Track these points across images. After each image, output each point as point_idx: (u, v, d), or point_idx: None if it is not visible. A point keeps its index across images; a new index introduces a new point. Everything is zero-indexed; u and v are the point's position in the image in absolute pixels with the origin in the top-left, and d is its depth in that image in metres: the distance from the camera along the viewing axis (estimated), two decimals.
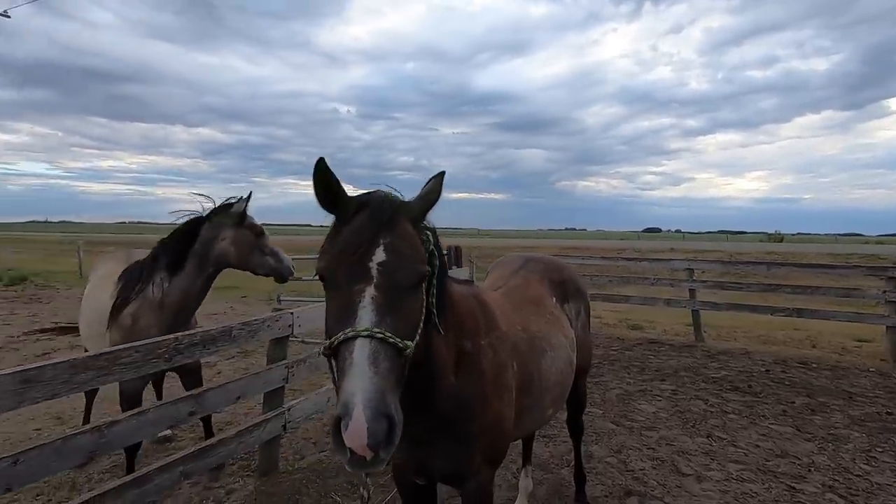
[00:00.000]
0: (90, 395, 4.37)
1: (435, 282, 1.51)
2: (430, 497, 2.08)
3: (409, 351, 1.21)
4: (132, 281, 3.31)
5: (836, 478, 3.70)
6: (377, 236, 1.29)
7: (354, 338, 1.14)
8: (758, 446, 4.23)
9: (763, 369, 6.54)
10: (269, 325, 3.23)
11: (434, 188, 1.49)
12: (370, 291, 1.22)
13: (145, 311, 3.23)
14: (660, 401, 5.37)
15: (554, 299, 2.68)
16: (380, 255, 1.27)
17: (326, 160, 1.30)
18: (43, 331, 8.52)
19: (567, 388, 2.52)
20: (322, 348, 1.27)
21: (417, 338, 1.29)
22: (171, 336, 2.62)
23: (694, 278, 8.16)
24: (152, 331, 3.12)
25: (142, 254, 3.68)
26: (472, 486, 1.83)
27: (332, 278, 1.30)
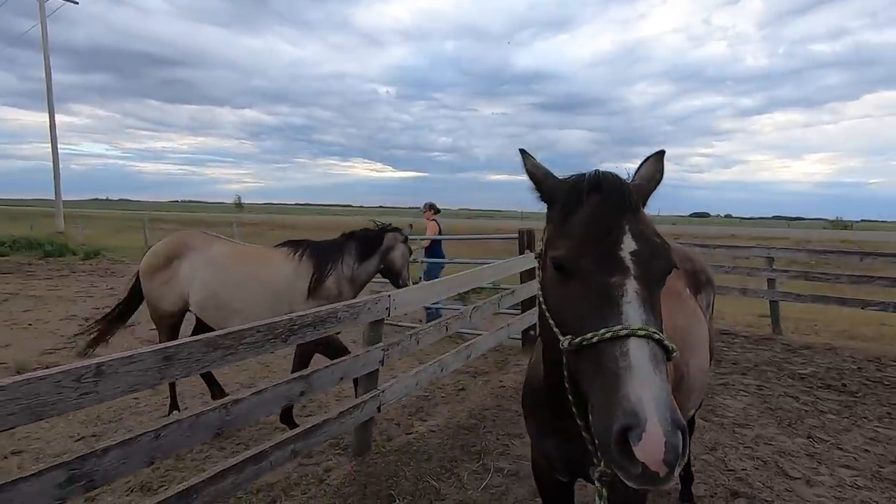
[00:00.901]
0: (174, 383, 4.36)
1: None
2: (569, 494, 2.01)
3: (675, 354, 1.06)
4: (328, 260, 4.11)
5: None
6: (621, 222, 1.16)
7: (627, 336, 1.01)
8: (867, 451, 3.94)
9: (854, 367, 6.10)
10: (369, 308, 3.22)
11: (657, 168, 1.33)
12: (632, 284, 1.09)
13: (344, 284, 4.14)
14: (745, 396, 5.10)
15: (688, 290, 2.47)
16: (630, 243, 1.14)
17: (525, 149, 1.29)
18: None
19: (706, 385, 2.37)
20: (563, 342, 1.14)
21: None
22: (287, 317, 2.64)
23: (774, 267, 7.69)
24: (349, 298, 3.94)
25: (213, 232, 4.65)
26: (621, 487, 1.73)
27: (576, 267, 1.16)
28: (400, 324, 7.56)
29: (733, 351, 6.79)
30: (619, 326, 1.03)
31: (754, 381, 5.57)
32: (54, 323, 7.83)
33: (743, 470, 3.61)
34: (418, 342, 3.83)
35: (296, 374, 2.82)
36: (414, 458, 3.64)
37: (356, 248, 4.21)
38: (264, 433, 4.12)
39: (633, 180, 1.32)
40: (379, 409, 3.51)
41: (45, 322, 7.87)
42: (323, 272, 4.01)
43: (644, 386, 0.95)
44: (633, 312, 1.05)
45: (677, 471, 0.92)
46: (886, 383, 5.53)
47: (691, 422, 3.12)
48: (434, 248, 8.11)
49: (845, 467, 3.68)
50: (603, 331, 1.04)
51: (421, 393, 5.02)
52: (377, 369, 3.45)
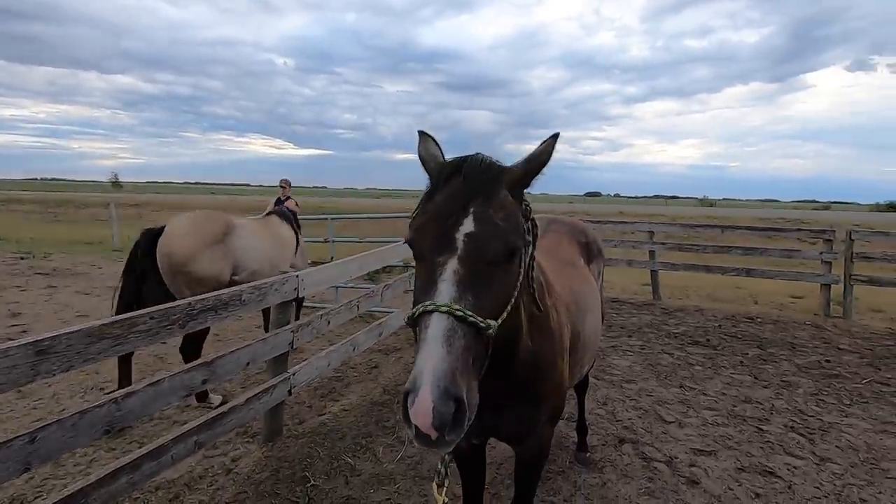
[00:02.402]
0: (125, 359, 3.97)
1: (533, 253, 1.47)
2: (481, 454, 2.13)
3: (491, 331, 1.15)
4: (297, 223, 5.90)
5: (794, 419, 4.14)
6: (469, 204, 1.23)
7: (432, 312, 1.11)
8: (724, 394, 4.64)
9: (716, 325, 7.09)
10: (276, 289, 3.09)
11: (544, 150, 1.40)
12: (453, 264, 1.17)
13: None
14: (631, 355, 5.72)
15: (582, 260, 2.73)
16: (468, 224, 1.20)
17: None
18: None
19: (599, 345, 2.62)
20: (405, 317, 1.22)
21: (505, 314, 1.23)
22: (185, 301, 2.45)
23: (654, 240, 8.60)
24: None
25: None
26: (533, 443, 1.88)
27: (419, 248, 1.26)
28: (316, 305, 7.36)
29: (621, 316, 7.54)
30: (429, 302, 1.13)
31: (638, 341, 6.25)
32: None
33: (629, 419, 4.08)
34: (329, 322, 3.77)
35: (197, 361, 2.64)
36: (328, 438, 3.61)
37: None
38: (160, 428, 3.82)
39: (519, 161, 1.41)
40: (290, 393, 3.42)
41: None
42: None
43: (427, 357, 1.04)
44: (444, 290, 1.13)
45: (453, 437, 1.03)
46: (740, 337, 6.50)
47: (585, 379, 3.45)
48: None
49: (708, 409, 4.31)
50: (419, 306, 1.14)
51: (332, 374, 4.96)
52: (287, 352, 3.34)
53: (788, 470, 3.37)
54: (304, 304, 6.71)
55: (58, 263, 11.23)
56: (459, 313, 1.09)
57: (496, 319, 1.19)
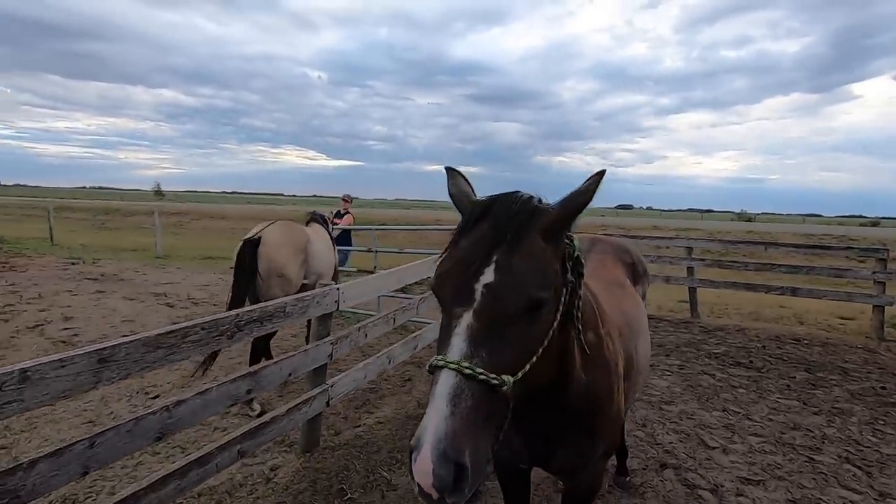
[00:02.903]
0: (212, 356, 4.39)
1: (580, 291, 1.40)
2: (527, 479, 2.10)
3: (506, 388, 1.09)
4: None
5: (849, 449, 3.92)
6: (493, 251, 1.17)
7: (441, 367, 1.08)
8: (771, 419, 4.44)
9: (760, 345, 6.81)
10: (318, 302, 3.15)
11: (586, 189, 1.29)
12: (468, 317, 1.11)
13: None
14: (670, 375, 5.54)
15: (629, 280, 2.64)
16: (489, 274, 1.14)
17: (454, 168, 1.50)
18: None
19: (648, 369, 2.56)
20: (427, 365, 1.18)
21: (528, 367, 1.15)
22: (233, 313, 2.53)
23: (692, 256, 8.36)
24: None
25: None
26: (585, 478, 1.81)
27: (440, 296, 1.21)
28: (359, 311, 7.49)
29: (658, 334, 7.33)
30: (440, 357, 1.10)
31: (676, 361, 6.06)
32: None
33: (670, 443, 3.94)
34: (367, 335, 3.81)
35: (242, 372, 2.71)
36: (364, 450, 3.62)
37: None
38: (201, 434, 3.92)
39: (557, 202, 1.32)
40: (328, 404, 3.46)
41: None
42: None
43: (432, 416, 1.03)
44: (456, 345, 1.09)
45: (455, 499, 1.00)
46: (785, 359, 6.22)
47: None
48: (344, 237, 8.75)
49: (754, 435, 4.12)
50: (433, 359, 1.12)
51: (367, 385, 5.00)
52: (325, 363, 3.39)
53: None
54: (345, 310, 7.00)
55: (106, 269, 11.76)
56: (468, 371, 1.05)
57: (516, 374, 1.12)
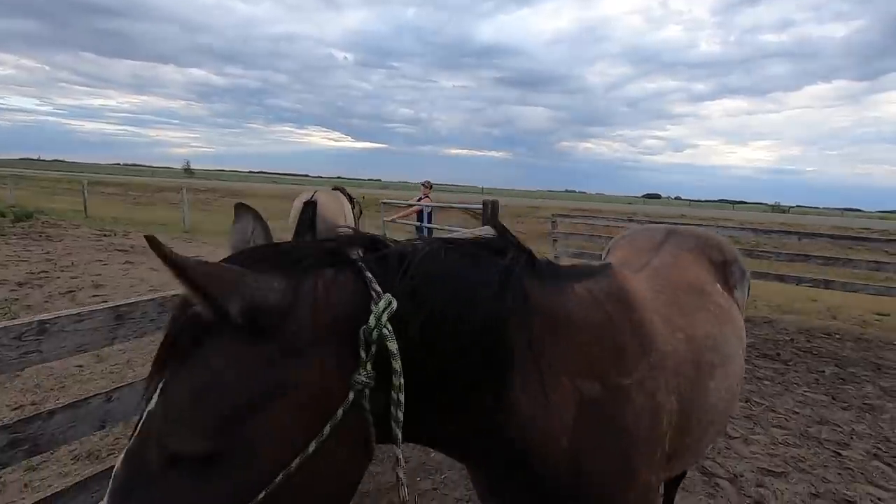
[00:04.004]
0: None
1: (398, 397, 0.82)
2: None
3: None
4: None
5: (879, 446, 3.76)
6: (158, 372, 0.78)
7: None
8: (796, 412, 4.29)
9: (788, 338, 6.58)
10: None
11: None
12: (118, 465, 0.75)
13: None
14: None
15: (718, 285, 1.90)
16: (151, 403, 0.76)
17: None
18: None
19: (735, 407, 1.74)
20: None
21: None
22: None
23: None
24: None
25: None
26: None
27: None
28: None
29: None
30: None
31: None
32: None
33: None
34: None
35: None
36: None
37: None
38: None
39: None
40: None
41: None
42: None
43: None
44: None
45: None
46: (815, 353, 6.00)
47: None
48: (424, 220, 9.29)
49: (777, 427, 3.99)
50: None
51: None
52: None
53: (871, 501, 3.06)
54: None
55: (135, 241, 12.11)
56: None
57: None
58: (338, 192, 7.10)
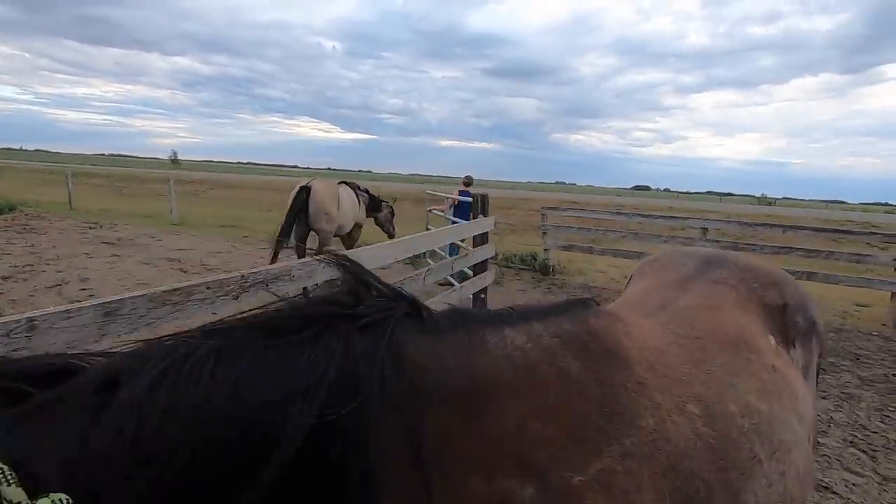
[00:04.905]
0: None
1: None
2: None
3: None
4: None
5: (855, 433, 3.89)
6: None
7: None
8: None
9: None
10: (324, 267, 3.16)
11: None
12: None
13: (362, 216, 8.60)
14: None
15: (772, 339, 1.40)
16: None
17: None
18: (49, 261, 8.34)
19: None
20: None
21: None
22: (238, 274, 2.54)
23: (707, 237, 8.22)
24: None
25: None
26: None
27: None
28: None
29: None
30: None
31: None
32: None
33: None
34: None
35: None
36: None
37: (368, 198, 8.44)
38: None
39: None
40: None
41: None
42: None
43: None
44: None
45: None
46: None
47: None
48: (461, 215, 8.67)
49: None
50: None
51: None
52: None
53: (846, 486, 3.17)
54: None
55: (122, 234, 11.97)
56: None
57: None
58: (345, 185, 7.88)
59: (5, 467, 0.48)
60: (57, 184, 23.96)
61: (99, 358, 0.64)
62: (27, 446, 0.52)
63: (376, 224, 9.09)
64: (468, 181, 9.76)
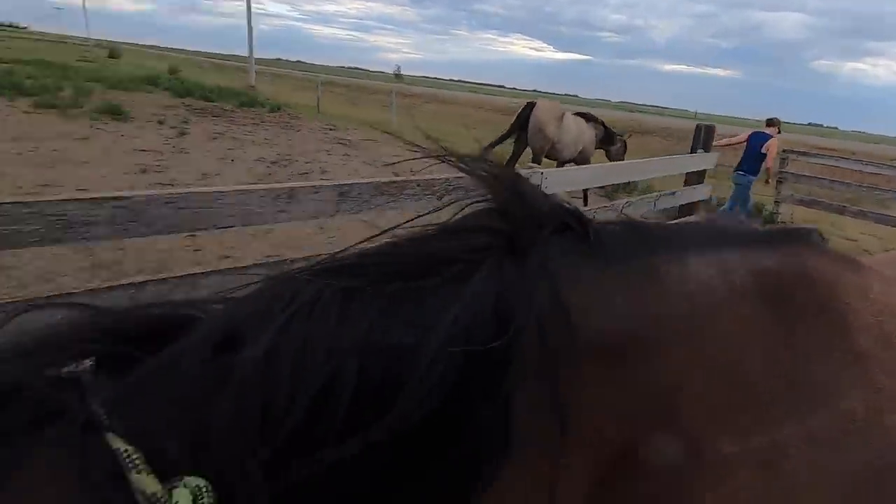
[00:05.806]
0: None
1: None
2: None
3: None
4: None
5: None
6: None
7: None
8: None
9: None
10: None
11: None
12: None
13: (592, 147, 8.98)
14: None
15: None
16: None
17: None
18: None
19: None
20: None
21: None
22: (444, 177, 2.74)
23: None
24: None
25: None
26: None
27: None
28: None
29: None
30: None
31: None
32: (248, 162, 9.29)
33: None
34: None
35: None
36: None
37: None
38: None
39: None
40: None
41: (242, 161, 9.37)
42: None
43: None
44: None
45: None
46: None
47: None
48: (749, 165, 7.33)
49: None
50: None
51: None
52: None
53: None
54: None
55: (352, 137, 13.89)
56: None
57: None
58: (579, 115, 8.24)
59: (130, 450, 0.42)
60: (309, 90, 28.51)
61: (212, 305, 0.58)
62: (148, 425, 0.46)
63: (607, 158, 8.75)
64: (773, 122, 7.61)
